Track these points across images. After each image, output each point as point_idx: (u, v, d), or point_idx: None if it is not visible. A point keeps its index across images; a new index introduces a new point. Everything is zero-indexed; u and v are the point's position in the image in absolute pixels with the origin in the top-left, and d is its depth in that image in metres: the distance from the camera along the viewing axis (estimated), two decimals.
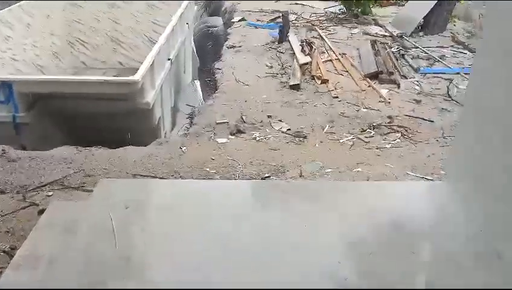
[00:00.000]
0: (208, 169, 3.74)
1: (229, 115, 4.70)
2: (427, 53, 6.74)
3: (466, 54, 6.86)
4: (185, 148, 4.05)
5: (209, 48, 7.70)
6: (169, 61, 5.75)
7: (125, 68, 8.07)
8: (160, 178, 3.58)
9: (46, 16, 7.13)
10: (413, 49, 6.92)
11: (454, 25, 8.06)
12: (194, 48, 7.02)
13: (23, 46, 6.33)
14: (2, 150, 3.68)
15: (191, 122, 4.85)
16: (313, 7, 9.59)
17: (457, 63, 6.42)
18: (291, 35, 7.13)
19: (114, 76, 7.84)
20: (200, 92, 6.26)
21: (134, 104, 4.43)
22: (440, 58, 6.48)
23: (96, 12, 7.81)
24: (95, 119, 4.52)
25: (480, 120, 2.23)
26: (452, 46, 7.19)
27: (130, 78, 4.21)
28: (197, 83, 6.40)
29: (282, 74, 5.88)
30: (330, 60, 6.40)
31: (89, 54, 7.99)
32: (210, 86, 6.48)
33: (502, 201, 1.92)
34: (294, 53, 6.47)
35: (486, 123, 2.15)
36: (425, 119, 4.71)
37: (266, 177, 3.67)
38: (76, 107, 4.38)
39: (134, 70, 7.93)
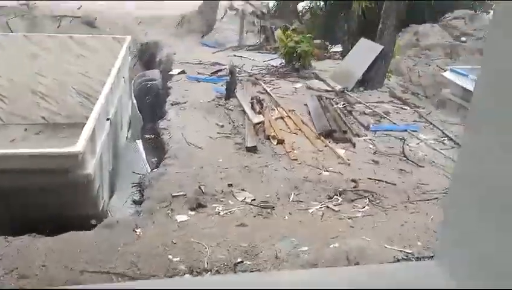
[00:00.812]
0: (170, 256, 3.22)
1: (186, 185, 4.22)
2: (371, 109, 6.85)
3: (406, 109, 7.10)
4: (139, 230, 3.48)
5: (149, 104, 7.17)
6: (109, 121, 5.19)
7: (48, 124, 7.28)
8: (114, 274, 2.97)
9: None
10: (358, 105, 7.01)
11: (389, 79, 8.40)
12: (136, 105, 6.47)
13: None
14: None
15: (142, 195, 4.25)
16: (253, 59, 9.54)
17: (402, 120, 6.57)
18: (238, 90, 6.89)
19: (35, 134, 7.04)
20: (143, 154, 5.69)
21: (73, 178, 3.81)
22: (385, 115, 6.60)
23: (16, 63, 7.00)
24: (25, 196, 3.80)
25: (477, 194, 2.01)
26: (392, 101, 7.42)
27: (70, 150, 3.61)
28: (140, 143, 5.83)
29: (235, 134, 5.56)
30: (281, 118, 6.22)
31: (7, 108, 7.12)
32: (154, 147, 5.93)
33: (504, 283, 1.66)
34: (244, 111, 6.20)
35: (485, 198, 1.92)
36: (388, 183, 4.60)
37: (239, 262, 3.23)
38: (5, 184, 3.64)
39: (60, 126, 7.28)
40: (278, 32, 10.60)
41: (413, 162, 5.13)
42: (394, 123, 6.35)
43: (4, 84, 7.00)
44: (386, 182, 4.62)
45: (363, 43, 8.33)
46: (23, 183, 3.66)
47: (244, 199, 4.09)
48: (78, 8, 11.17)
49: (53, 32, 8.72)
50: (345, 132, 5.72)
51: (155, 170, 4.73)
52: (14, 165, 3.57)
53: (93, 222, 3.98)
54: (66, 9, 11.10)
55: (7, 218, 3.75)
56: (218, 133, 5.54)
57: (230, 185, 4.28)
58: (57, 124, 7.28)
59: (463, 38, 10.86)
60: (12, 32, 9.24)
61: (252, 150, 5.09)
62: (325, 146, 5.42)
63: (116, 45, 7.30)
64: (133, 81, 7.61)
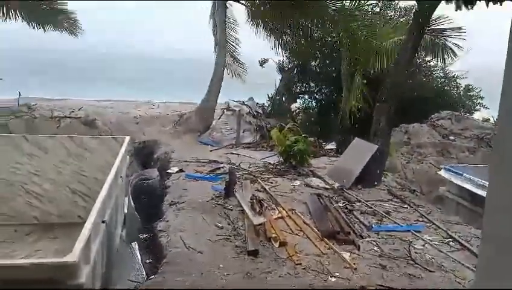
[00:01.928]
0: None
1: None
2: (371, 208, 6.77)
3: (406, 208, 7.02)
4: None
5: (146, 203, 7.03)
6: (104, 223, 4.99)
7: (39, 224, 7.01)
8: None
9: None
10: (357, 203, 6.94)
11: (385, 177, 8.46)
12: (133, 205, 6.32)
13: None
14: None
15: None
16: (250, 157, 9.65)
17: (403, 219, 6.46)
18: (237, 189, 6.83)
19: (26, 234, 6.73)
20: (139, 258, 5.40)
21: (65, 288, 3.52)
22: (386, 214, 6.50)
23: (12, 163, 6.94)
24: None
25: None
26: (391, 199, 7.37)
27: (65, 260, 3.37)
28: (136, 246, 5.57)
29: (235, 236, 5.35)
30: (281, 217, 6.08)
31: None
32: (150, 250, 5.66)
33: None
34: (243, 211, 6.07)
35: None
36: None
37: None
38: None
39: (52, 226, 7.00)
40: (273, 132, 10.91)
41: (421, 266, 4.91)
42: (396, 223, 6.22)
43: None
44: (396, 289, 4.37)
45: (358, 142, 8.53)
46: None
47: None
48: (79, 109, 11.51)
49: (53, 133, 8.84)
50: (348, 233, 5.56)
51: (152, 277, 4.43)
52: (2, 275, 3.31)
53: None
54: (69, 106, 11.38)
55: None
56: (217, 235, 5.34)
57: None
58: (48, 224, 7.02)
59: (451, 137, 11.25)
60: (11, 133, 9.36)
61: (254, 253, 4.87)
62: (329, 249, 5.21)
63: (115, 144, 7.36)
64: (130, 180, 7.54)
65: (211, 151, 10.30)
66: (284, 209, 6.36)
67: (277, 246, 5.16)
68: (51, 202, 7.16)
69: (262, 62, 13.59)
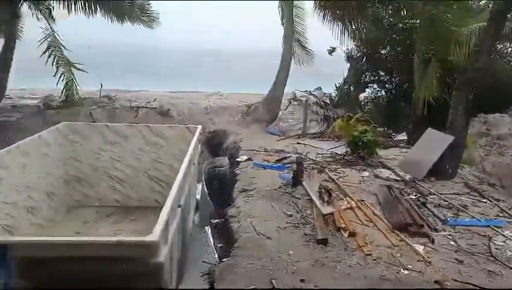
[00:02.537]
0: None
1: (256, 278, 4.06)
2: (446, 201, 6.47)
3: (485, 202, 6.63)
4: None
5: (217, 190, 7.29)
6: (180, 208, 5.26)
7: (120, 206, 7.54)
8: None
9: (43, 154, 6.73)
10: (431, 196, 6.66)
11: (461, 170, 8.02)
12: (206, 191, 6.59)
13: (16, 188, 5.79)
14: None
15: (211, 286, 4.13)
16: (317, 147, 9.60)
17: (482, 213, 6.11)
18: (305, 179, 6.85)
19: (107, 215, 7.27)
20: (212, 241, 5.65)
21: (146, 266, 3.78)
22: (463, 208, 6.19)
23: (96, 150, 7.51)
24: (99, 282, 3.81)
25: None
26: (468, 193, 6.99)
27: (147, 239, 3.62)
28: (209, 230, 5.83)
29: (303, 224, 5.40)
30: (350, 208, 6.02)
31: (85, 191, 7.52)
32: (222, 234, 5.89)
33: None
34: (311, 199, 6.09)
35: None
36: (479, 287, 4.14)
37: None
38: (79, 270, 3.69)
39: (131, 208, 7.49)
40: (337, 122, 10.73)
41: (502, 263, 4.63)
42: (475, 218, 5.90)
43: (84, 169, 7.46)
44: (474, 285, 4.17)
45: (431, 133, 8.15)
46: (97, 270, 3.68)
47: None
48: (154, 100, 12.13)
49: (131, 122, 9.41)
50: (421, 226, 5.38)
51: (225, 260, 4.62)
52: (90, 252, 3.60)
53: None
54: (146, 96, 12.02)
55: None
56: (286, 222, 5.42)
57: (302, 281, 4.06)
58: (128, 206, 7.53)
59: None
60: (94, 121, 10.11)
61: (323, 242, 4.88)
62: (401, 241, 5.08)
63: (188, 133, 7.70)
64: (203, 168, 7.85)
65: (277, 141, 10.39)
66: (352, 199, 6.28)
67: (346, 236, 5.13)
68: (130, 186, 7.67)
69: (331, 51, 13.35)
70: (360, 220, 5.64)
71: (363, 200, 6.31)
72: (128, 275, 3.78)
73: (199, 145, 8.19)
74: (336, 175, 7.52)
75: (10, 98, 13.26)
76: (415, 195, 6.63)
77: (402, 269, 4.44)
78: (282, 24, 13.18)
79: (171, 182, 7.43)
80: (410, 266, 4.51)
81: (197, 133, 7.33)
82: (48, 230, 6.23)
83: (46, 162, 6.75)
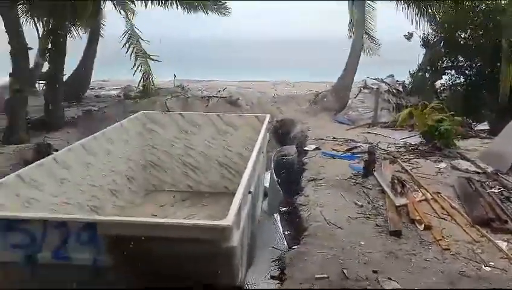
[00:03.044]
0: None
1: (327, 266, 4.05)
2: None
3: None
4: None
5: (285, 178, 7.34)
6: (250, 194, 5.36)
7: (193, 192, 7.86)
8: None
9: (124, 141, 7.18)
10: None
11: None
12: (275, 179, 6.66)
13: (102, 172, 6.25)
14: None
15: (282, 272, 4.20)
16: (389, 137, 9.29)
17: None
18: (377, 169, 6.67)
19: (183, 200, 7.61)
20: (281, 229, 5.72)
21: (219, 249, 3.92)
22: None
23: (171, 137, 7.86)
24: (175, 262, 4.03)
25: None
26: None
27: (222, 223, 3.75)
28: (277, 217, 5.90)
29: (375, 215, 5.27)
30: (425, 200, 5.77)
31: (160, 177, 7.90)
32: (290, 222, 5.94)
33: None
34: (383, 190, 5.93)
35: None
36: None
37: None
38: (158, 250, 3.92)
39: (202, 194, 7.79)
40: (404, 112, 10.21)
41: None
42: None
43: (160, 155, 7.86)
44: None
45: None
46: (175, 251, 3.88)
47: (392, 289, 3.74)
48: (224, 90, 12.42)
49: (203, 111, 9.73)
50: (505, 222, 5.02)
51: (295, 247, 4.66)
52: (168, 233, 3.80)
53: None
54: (215, 86, 12.34)
55: (159, 283, 4.00)
56: (357, 213, 5.33)
57: (375, 272, 3.99)
58: (200, 192, 7.84)
59: None
60: (169, 110, 10.58)
61: (396, 234, 4.74)
62: (482, 236, 4.79)
63: (257, 122, 7.80)
64: (272, 156, 7.93)
65: (347, 130, 10.18)
66: (428, 191, 6.02)
67: (421, 229, 4.94)
68: (202, 173, 7.97)
69: (409, 36, 12.70)
70: (436, 213, 5.39)
71: (439, 193, 6.02)
72: (202, 258, 3.97)
73: (267, 134, 8.28)
74: (409, 166, 7.23)
75: (93, 89, 14.30)
76: (498, 189, 6.18)
77: (483, 266, 4.20)
78: (351, 12, 12.88)
79: (240, 169, 7.65)
80: (492, 263, 4.25)
81: (266, 122, 7.40)
82: (129, 211, 6.67)
83: (127, 149, 7.21)
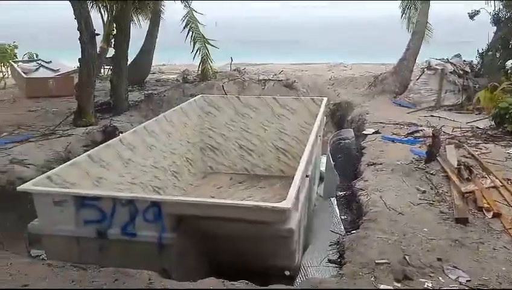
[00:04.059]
0: None
1: (388, 252, 3.96)
2: None
3: None
4: None
5: (342, 162, 7.22)
6: (308, 178, 5.34)
7: (249, 174, 7.96)
8: None
9: (184, 124, 7.38)
10: None
11: None
12: (332, 163, 6.58)
13: (163, 153, 6.49)
14: (149, 279, 3.35)
15: (340, 256, 4.17)
16: (453, 120, 8.82)
17: None
18: (441, 154, 6.37)
19: (240, 183, 7.73)
20: (338, 213, 5.66)
21: (278, 231, 3.96)
22: None
23: (228, 121, 7.97)
24: (234, 242, 4.13)
25: None
26: None
27: (281, 205, 3.78)
28: (334, 202, 5.84)
29: (439, 202, 5.06)
30: (494, 187, 5.44)
31: (218, 159, 8.09)
32: (348, 206, 5.86)
33: None
34: (447, 176, 5.66)
35: None
36: None
37: None
38: (218, 230, 4.04)
39: (258, 177, 7.86)
40: (480, 93, 9.66)
41: None
42: None
43: (217, 138, 8.02)
44: None
45: None
46: (235, 231, 3.97)
47: (458, 278, 3.59)
48: (280, 72, 12.35)
49: (259, 93, 9.76)
50: None
51: (354, 232, 4.60)
52: (235, 214, 3.89)
53: (286, 273, 4.08)
54: (271, 69, 12.31)
55: (219, 260, 4.13)
56: (419, 199, 5.14)
57: (439, 260, 3.84)
58: (256, 175, 7.93)
59: None
60: (226, 94, 10.73)
61: (463, 221, 4.53)
62: None
63: (313, 105, 7.71)
64: (329, 140, 7.83)
65: (408, 113, 9.77)
66: (497, 178, 5.66)
67: (490, 216, 4.67)
68: (258, 156, 8.04)
69: (473, 14, 11.91)
70: (506, 201, 5.07)
71: (509, 179, 5.65)
72: (261, 238, 4.03)
73: (324, 117, 8.16)
74: (476, 151, 6.84)
75: (154, 74, 14.78)
76: None
77: None
78: None
79: (295, 153, 7.65)
80: None
81: (323, 105, 7.30)
82: (189, 192, 6.92)
83: (186, 131, 7.43)
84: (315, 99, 8.00)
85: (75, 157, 5.08)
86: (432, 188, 5.44)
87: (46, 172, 4.50)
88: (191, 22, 12.65)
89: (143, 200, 3.86)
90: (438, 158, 6.32)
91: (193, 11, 12.96)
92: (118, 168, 5.33)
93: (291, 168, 7.43)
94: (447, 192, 5.30)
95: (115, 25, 10.55)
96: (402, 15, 13.38)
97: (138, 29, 13.08)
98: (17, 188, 4.05)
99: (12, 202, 5.05)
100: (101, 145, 5.31)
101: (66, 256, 3.90)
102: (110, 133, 7.82)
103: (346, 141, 7.87)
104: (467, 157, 6.52)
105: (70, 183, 4.42)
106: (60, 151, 6.99)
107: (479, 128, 8.16)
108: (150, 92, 11.62)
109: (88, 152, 5.04)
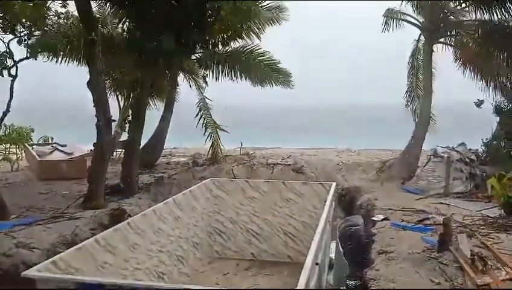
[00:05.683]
0: None
1: None
2: None
3: None
4: None
5: (352, 249, 7.07)
6: (317, 266, 5.20)
7: (256, 260, 7.76)
8: None
9: (192, 207, 7.40)
10: None
11: None
12: (341, 250, 6.45)
13: (170, 237, 6.43)
14: None
15: None
16: (463, 208, 8.73)
17: None
18: (453, 243, 6.23)
19: (245, 269, 7.52)
20: None
21: None
22: None
23: (237, 204, 7.98)
24: None
25: None
26: None
27: None
28: None
29: None
30: (510, 279, 5.23)
31: (224, 243, 7.96)
32: None
33: None
34: (461, 267, 5.49)
35: None
36: None
37: None
38: None
39: (265, 263, 7.65)
40: (491, 181, 9.66)
41: None
42: None
43: (225, 222, 7.96)
44: None
45: None
46: None
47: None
48: (288, 157, 12.58)
49: (268, 177, 9.86)
50: None
51: None
52: None
53: None
54: (280, 153, 12.51)
55: None
56: None
57: None
58: (263, 261, 7.73)
59: None
60: (235, 177, 10.85)
61: None
62: None
63: (322, 190, 7.74)
64: (338, 226, 7.74)
65: (416, 200, 9.73)
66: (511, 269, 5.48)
67: None
68: (265, 241, 7.91)
69: (479, 103, 12.36)
70: None
71: None
72: None
73: (333, 203, 8.14)
74: (488, 241, 6.68)
75: (164, 157, 15.11)
76: None
77: None
78: (409, 78, 12.93)
79: (303, 238, 7.52)
80: None
81: (331, 190, 7.32)
82: (193, 279, 6.72)
83: (194, 214, 7.42)
84: (324, 184, 8.04)
85: (82, 241, 5.06)
86: (446, 280, 5.25)
87: (51, 256, 4.46)
88: (203, 109, 13.24)
89: (145, 288, 3.78)
90: (451, 248, 6.17)
91: (206, 99, 13.62)
92: (124, 253, 5.26)
93: (299, 253, 7.27)
94: (461, 284, 5.11)
95: (130, 111, 11.04)
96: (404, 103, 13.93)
97: (152, 110, 13.64)
98: (22, 274, 4.00)
99: (16, 286, 4.94)
100: (109, 229, 5.30)
101: None
102: (118, 217, 7.83)
103: (356, 227, 7.77)
104: (480, 247, 6.36)
105: (74, 268, 4.36)
106: (67, 234, 6.97)
107: (490, 216, 8.05)
108: (160, 175, 11.81)
109: (95, 236, 5.02)
